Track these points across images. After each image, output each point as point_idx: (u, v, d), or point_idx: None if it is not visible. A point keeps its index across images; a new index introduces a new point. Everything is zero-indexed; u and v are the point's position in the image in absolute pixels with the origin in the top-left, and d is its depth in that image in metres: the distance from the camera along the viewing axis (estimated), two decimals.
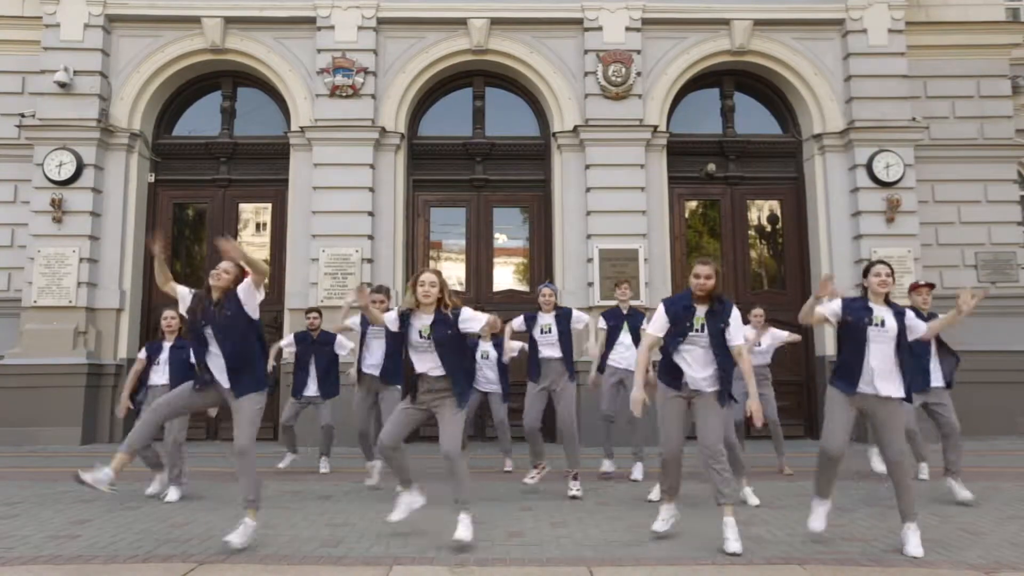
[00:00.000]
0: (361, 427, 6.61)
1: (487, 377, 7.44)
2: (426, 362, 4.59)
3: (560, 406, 6.32)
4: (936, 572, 3.96)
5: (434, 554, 4.27)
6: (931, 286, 6.25)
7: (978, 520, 5.18)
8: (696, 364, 4.49)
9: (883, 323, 4.43)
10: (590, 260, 9.99)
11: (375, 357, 6.59)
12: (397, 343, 5.87)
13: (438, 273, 4.67)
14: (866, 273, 4.63)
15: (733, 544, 4.25)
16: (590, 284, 9.94)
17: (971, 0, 11.23)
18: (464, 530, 4.38)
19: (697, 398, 4.52)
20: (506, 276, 10.90)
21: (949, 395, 5.96)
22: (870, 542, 4.58)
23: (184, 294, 4.59)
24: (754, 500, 5.80)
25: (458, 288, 10.65)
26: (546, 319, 6.43)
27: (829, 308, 4.59)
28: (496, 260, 10.82)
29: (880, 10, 10.49)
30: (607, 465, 7.04)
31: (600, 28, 10.37)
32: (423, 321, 4.56)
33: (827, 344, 9.81)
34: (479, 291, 10.55)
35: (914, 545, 4.25)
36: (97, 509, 5.60)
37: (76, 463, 7.93)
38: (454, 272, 10.77)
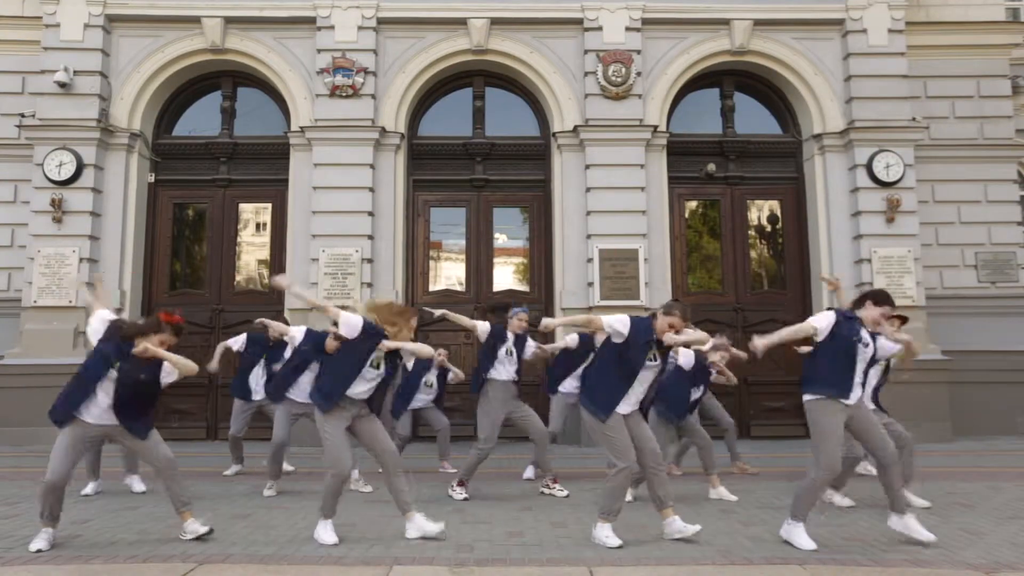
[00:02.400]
0: (283, 438, 6.43)
1: (426, 398, 7.48)
2: (364, 388, 4.67)
3: (532, 430, 6.24)
4: (936, 572, 3.96)
5: (434, 554, 4.27)
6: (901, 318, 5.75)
7: (978, 520, 5.18)
8: (643, 387, 4.64)
9: (868, 345, 4.58)
10: (590, 260, 9.98)
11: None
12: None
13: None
14: (877, 303, 4.67)
15: (689, 529, 4.55)
16: (590, 284, 9.94)
17: (971, 0, 11.24)
18: (431, 526, 4.61)
19: (628, 416, 4.65)
20: (506, 276, 10.88)
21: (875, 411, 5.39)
22: (870, 542, 4.58)
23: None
24: (731, 496, 5.97)
25: (458, 288, 10.67)
26: (510, 343, 6.21)
27: (821, 321, 4.59)
28: (496, 260, 10.80)
29: (880, 10, 10.48)
30: (530, 472, 7.06)
31: (600, 28, 10.36)
32: (379, 353, 4.68)
33: None
34: (479, 291, 10.54)
35: (920, 529, 4.35)
36: (97, 509, 5.60)
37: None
38: (454, 272, 10.77)
